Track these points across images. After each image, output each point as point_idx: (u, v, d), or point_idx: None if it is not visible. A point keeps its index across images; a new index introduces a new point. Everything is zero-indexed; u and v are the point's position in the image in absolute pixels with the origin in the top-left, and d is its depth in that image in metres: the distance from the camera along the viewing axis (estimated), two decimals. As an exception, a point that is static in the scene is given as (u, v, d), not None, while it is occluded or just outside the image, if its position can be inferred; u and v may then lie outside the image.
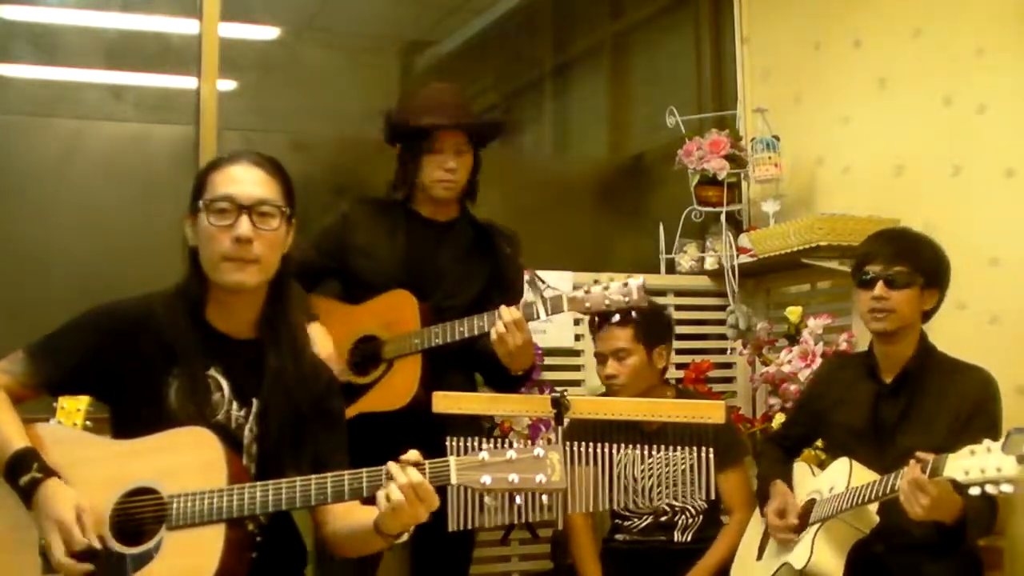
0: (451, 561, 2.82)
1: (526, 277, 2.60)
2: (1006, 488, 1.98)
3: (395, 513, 1.76)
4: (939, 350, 2.66)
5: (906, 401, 2.57)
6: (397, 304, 2.68)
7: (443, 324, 2.61)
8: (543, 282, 2.55)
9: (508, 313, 2.50)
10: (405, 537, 1.82)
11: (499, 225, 2.89)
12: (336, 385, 2.13)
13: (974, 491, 2.03)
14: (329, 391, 2.08)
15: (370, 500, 1.82)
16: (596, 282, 2.52)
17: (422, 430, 2.36)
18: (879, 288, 2.55)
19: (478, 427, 2.79)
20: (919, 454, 2.19)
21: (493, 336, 2.51)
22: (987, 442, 2.03)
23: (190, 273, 2.00)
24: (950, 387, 2.53)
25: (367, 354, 2.73)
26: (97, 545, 1.78)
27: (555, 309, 2.52)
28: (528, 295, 2.57)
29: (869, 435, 2.59)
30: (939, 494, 2.16)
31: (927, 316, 2.64)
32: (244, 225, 1.91)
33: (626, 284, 2.47)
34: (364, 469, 1.82)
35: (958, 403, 2.49)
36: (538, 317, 2.53)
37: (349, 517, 1.92)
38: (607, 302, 2.47)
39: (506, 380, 2.69)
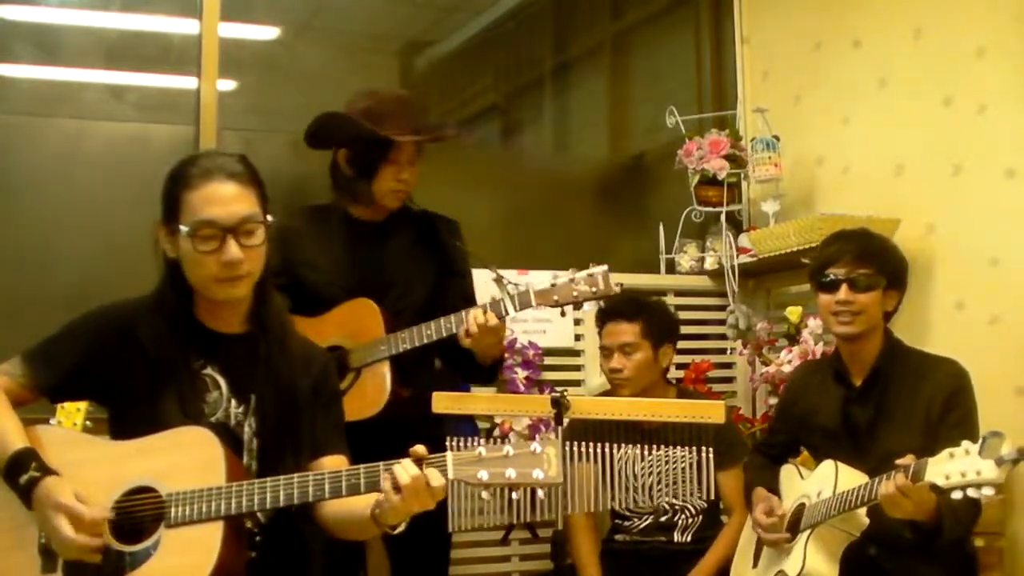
0: (429, 561, 2.80)
1: (491, 275, 2.57)
2: (987, 491, 1.97)
3: (394, 509, 1.76)
4: (906, 344, 2.64)
5: (877, 402, 2.54)
6: (360, 313, 2.64)
7: (409, 329, 2.58)
8: (504, 278, 2.52)
9: (479, 317, 2.48)
10: (402, 527, 1.82)
11: (437, 213, 2.85)
12: (331, 367, 2.14)
13: (956, 495, 2.01)
14: (324, 374, 2.10)
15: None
16: (557, 275, 2.49)
17: (400, 434, 2.36)
18: (843, 291, 2.52)
19: (438, 428, 2.75)
20: (899, 462, 2.17)
21: (461, 334, 2.50)
22: (965, 444, 2.02)
23: (169, 283, 1.99)
24: (921, 383, 2.51)
25: None
26: (110, 515, 1.79)
27: (523, 304, 2.51)
28: (495, 292, 2.55)
29: (844, 438, 2.58)
30: (919, 497, 2.15)
31: (887, 317, 2.61)
32: (232, 249, 1.90)
33: (591, 274, 2.45)
34: (361, 466, 1.83)
35: (930, 399, 2.47)
36: (507, 314, 2.51)
37: (346, 503, 1.91)
38: (575, 293, 2.46)
39: (477, 371, 2.69)
